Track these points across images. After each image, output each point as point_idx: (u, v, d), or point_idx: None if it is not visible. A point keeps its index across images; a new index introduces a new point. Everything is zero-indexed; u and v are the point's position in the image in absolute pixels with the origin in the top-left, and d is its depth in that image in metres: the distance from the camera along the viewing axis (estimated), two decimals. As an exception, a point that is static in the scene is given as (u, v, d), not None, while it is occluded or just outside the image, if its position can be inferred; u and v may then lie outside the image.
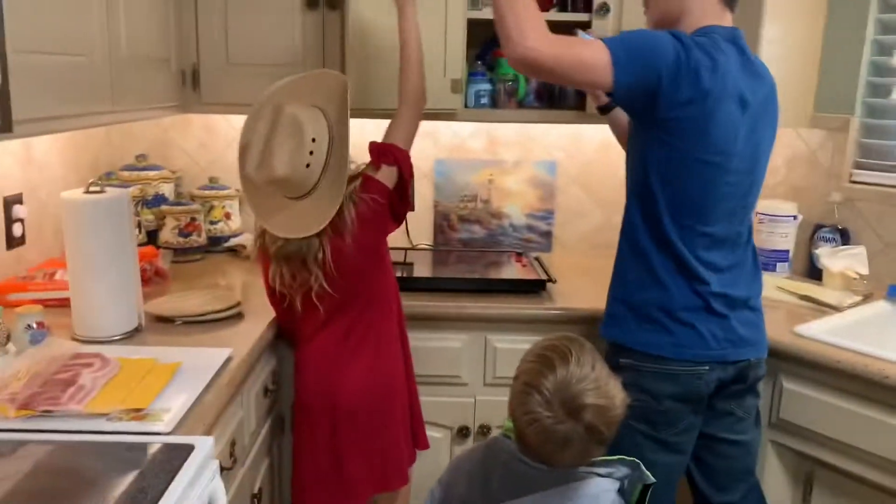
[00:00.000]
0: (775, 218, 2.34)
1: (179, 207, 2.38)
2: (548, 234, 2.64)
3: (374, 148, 1.72)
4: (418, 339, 1.97)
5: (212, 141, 2.60)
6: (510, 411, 1.38)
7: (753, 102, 1.54)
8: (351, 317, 1.72)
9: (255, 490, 1.72)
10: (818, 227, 2.34)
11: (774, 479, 1.86)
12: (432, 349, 1.99)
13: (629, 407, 1.34)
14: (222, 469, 1.36)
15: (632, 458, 1.35)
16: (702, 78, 1.46)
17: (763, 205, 2.38)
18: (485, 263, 2.42)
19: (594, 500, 1.31)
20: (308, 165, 1.59)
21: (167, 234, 2.37)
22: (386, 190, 1.69)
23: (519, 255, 2.48)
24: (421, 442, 1.93)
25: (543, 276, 2.18)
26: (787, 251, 2.37)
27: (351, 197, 1.64)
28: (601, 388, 1.29)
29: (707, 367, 1.59)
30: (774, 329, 1.85)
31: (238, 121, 2.54)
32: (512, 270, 2.32)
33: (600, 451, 1.33)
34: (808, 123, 2.32)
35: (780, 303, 2.10)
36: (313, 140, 1.59)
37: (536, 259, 2.40)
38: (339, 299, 1.68)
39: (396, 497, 1.89)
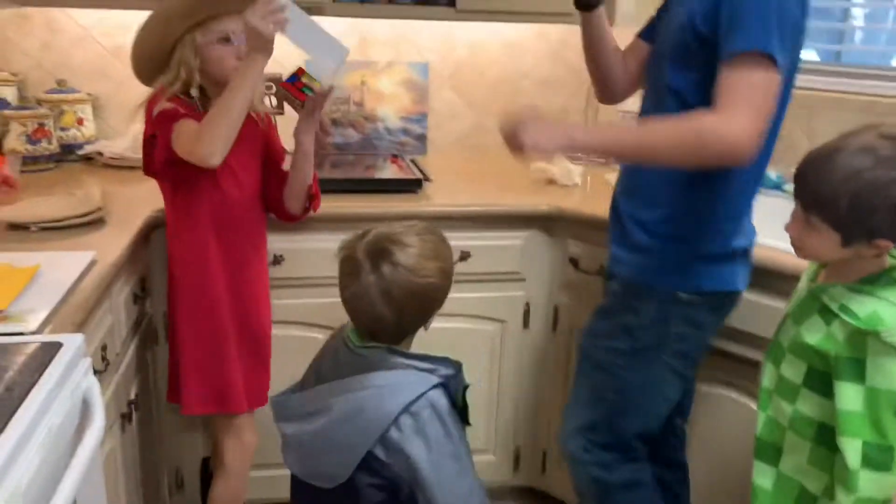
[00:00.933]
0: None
1: (25, 112, 2.19)
2: (422, 137, 2.64)
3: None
4: (295, 241, 1.95)
5: (56, 40, 2.38)
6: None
7: None
8: None
9: (132, 396, 1.68)
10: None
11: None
12: (313, 251, 1.97)
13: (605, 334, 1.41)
14: (95, 372, 1.32)
15: (456, 360, 1.36)
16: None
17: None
18: (361, 167, 2.40)
19: (393, 389, 1.27)
20: None
21: (13, 141, 2.18)
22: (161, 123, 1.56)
23: (394, 157, 2.48)
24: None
25: (419, 176, 2.19)
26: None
27: None
28: (413, 250, 1.29)
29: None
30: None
31: (84, 16, 2.35)
32: (388, 171, 2.32)
33: (391, 319, 1.30)
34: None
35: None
36: None
37: (412, 161, 2.41)
38: None
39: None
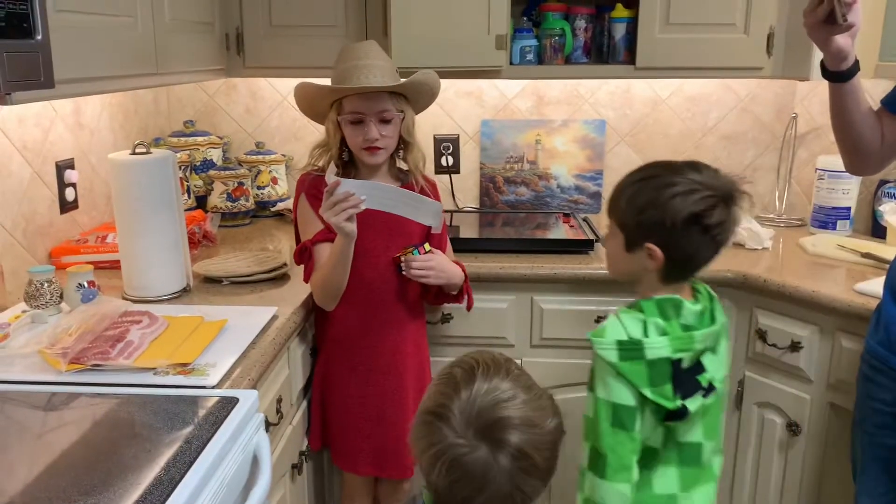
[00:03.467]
0: (836, 174, 2.24)
1: (227, 172, 2.40)
2: (596, 195, 2.58)
3: None
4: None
5: (257, 106, 2.61)
6: (417, 460, 1.03)
7: None
8: None
9: (304, 447, 1.74)
10: (882, 182, 2.23)
11: (833, 443, 1.80)
12: (479, 310, 1.97)
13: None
14: (269, 425, 1.38)
15: None
16: None
17: (824, 161, 2.28)
18: (532, 225, 2.38)
19: None
20: None
21: (215, 199, 2.40)
22: None
23: (566, 216, 2.43)
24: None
25: (591, 236, 2.13)
26: (849, 208, 2.26)
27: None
28: (519, 398, 0.98)
29: None
30: (833, 287, 1.79)
31: (282, 84, 2.56)
32: (559, 231, 2.28)
33: (535, 491, 0.99)
34: (872, 74, 2.20)
35: (839, 261, 2.01)
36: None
37: (584, 220, 2.35)
38: None
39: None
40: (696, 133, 2.55)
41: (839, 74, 1.47)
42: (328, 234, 1.64)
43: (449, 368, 1.04)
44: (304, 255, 1.70)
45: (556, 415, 1.01)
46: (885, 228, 2.13)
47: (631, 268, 1.35)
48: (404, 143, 1.71)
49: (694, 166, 1.31)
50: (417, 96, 1.70)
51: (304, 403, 1.77)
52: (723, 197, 1.27)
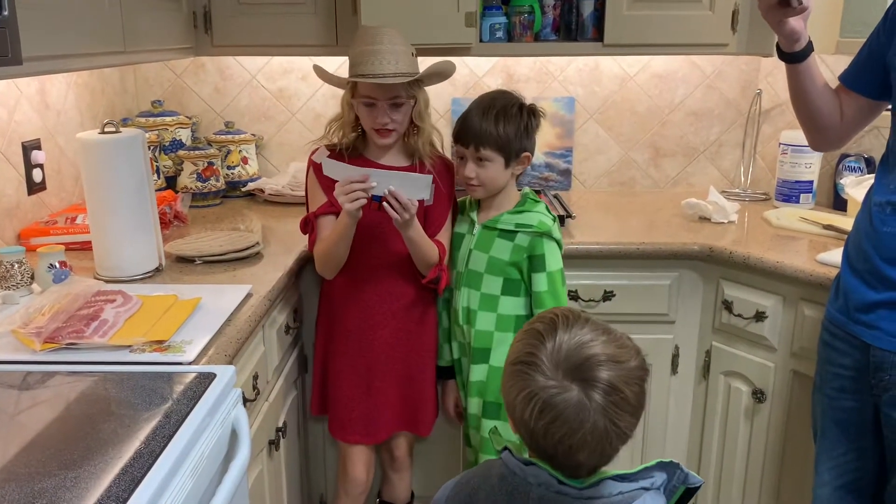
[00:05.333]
0: (798, 149, 2.29)
1: (197, 152, 2.38)
2: (566, 172, 2.61)
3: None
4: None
5: (226, 85, 2.59)
6: (509, 411, 1.06)
7: None
8: None
9: (280, 424, 1.75)
10: (843, 156, 2.29)
11: (797, 408, 1.86)
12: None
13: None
14: (246, 401, 1.39)
15: (669, 460, 1.07)
16: None
17: (786, 136, 2.33)
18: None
19: None
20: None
21: (185, 179, 2.38)
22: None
23: (538, 192, 2.45)
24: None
25: (562, 213, 2.16)
26: (811, 182, 2.32)
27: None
28: (601, 339, 1.01)
29: None
30: (796, 258, 1.84)
31: (251, 63, 2.55)
32: (530, 208, 2.30)
33: (629, 426, 1.01)
34: (833, 49, 2.25)
35: (802, 233, 2.07)
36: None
37: (555, 196, 2.38)
38: None
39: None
40: (663, 110, 2.59)
41: (794, 55, 1.51)
42: (331, 207, 1.71)
43: (529, 325, 1.08)
44: (307, 226, 1.77)
45: (639, 354, 1.04)
46: (845, 201, 2.19)
47: (507, 178, 1.73)
48: (416, 126, 1.74)
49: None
50: (430, 79, 1.74)
51: (281, 380, 1.79)
52: None
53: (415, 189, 1.63)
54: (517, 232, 1.70)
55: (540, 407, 0.99)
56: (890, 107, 1.47)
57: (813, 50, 1.51)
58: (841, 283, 1.50)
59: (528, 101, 1.73)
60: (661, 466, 1.07)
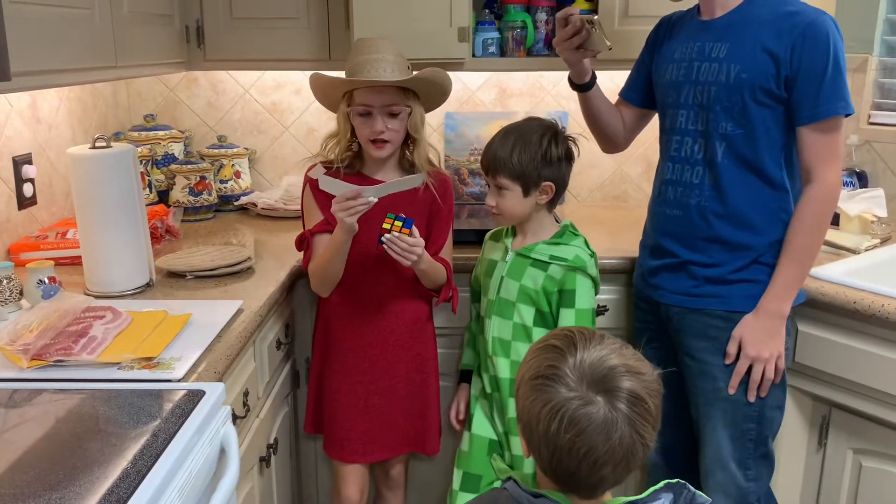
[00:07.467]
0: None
1: (189, 166, 2.38)
2: (560, 186, 2.61)
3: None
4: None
5: (219, 100, 2.59)
6: (525, 426, 1.03)
7: None
8: None
9: (271, 440, 1.74)
10: (835, 170, 2.29)
11: (791, 423, 1.85)
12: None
13: None
14: (236, 418, 1.38)
15: (676, 480, 1.05)
16: None
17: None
18: (496, 216, 2.39)
19: None
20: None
21: (178, 194, 2.37)
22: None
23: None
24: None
25: (555, 227, 2.15)
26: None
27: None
28: (620, 353, 1.02)
29: None
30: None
31: (244, 77, 2.55)
32: (523, 222, 2.30)
33: (651, 439, 1.00)
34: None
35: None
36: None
37: (548, 210, 2.38)
38: None
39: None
40: (656, 124, 2.59)
41: (585, 86, 1.82)
42: (327, 225, 1.69)
43: (542, 342, 1.07)
44: (302, 243, 1.76)
45: (653, 367, 1.04)
46: (838, 215, 2.19)
47: (527, 208, 1.68)
48: (412, 140, 1.73)
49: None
50: (427, 93, 1.72)
51: (272, 396, 1.77)
52: None
53: (409, 184, 1.63)
54: (551, 263, 1.65)
55: (566, 420, 0.96)
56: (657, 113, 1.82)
57: (596, 79, 1.82)
58: (638, 259, 1.83)
59: (561, 127, 1.69)
60: (669, 487, 1.04)
